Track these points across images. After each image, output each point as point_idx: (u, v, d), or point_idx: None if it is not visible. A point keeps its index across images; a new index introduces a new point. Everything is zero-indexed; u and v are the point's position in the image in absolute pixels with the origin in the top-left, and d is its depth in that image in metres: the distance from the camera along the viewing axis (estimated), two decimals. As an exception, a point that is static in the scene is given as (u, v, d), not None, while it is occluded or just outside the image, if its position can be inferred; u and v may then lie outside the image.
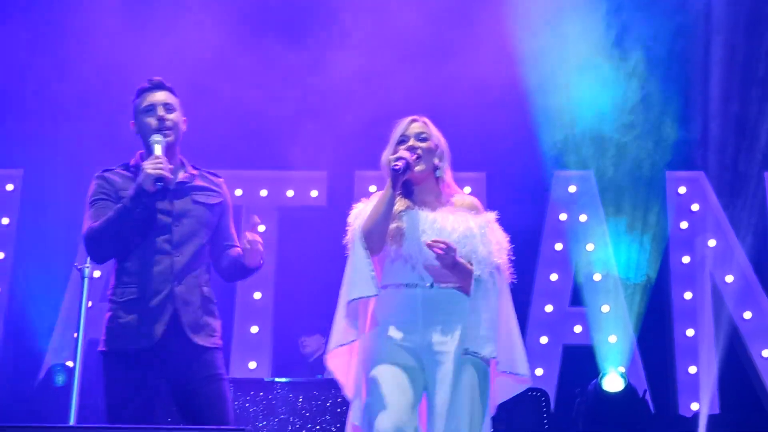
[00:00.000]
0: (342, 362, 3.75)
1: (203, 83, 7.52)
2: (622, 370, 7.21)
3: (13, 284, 7.71)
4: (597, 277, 7.79)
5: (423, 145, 3.75)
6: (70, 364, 6.93)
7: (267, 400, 5.86)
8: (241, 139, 7.53)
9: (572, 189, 8.05)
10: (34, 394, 7.14)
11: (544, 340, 7.76)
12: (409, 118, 3.83)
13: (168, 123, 3.88)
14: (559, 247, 7.97)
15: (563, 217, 8.00)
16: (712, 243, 7.91)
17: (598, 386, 7.06)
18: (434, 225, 3.66)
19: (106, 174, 3.91)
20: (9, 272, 7.75)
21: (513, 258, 3.78)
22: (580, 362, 7.57)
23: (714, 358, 7.51)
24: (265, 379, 6.10)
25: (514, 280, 3.77)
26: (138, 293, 3.75)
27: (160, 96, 3.91)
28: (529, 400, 6.61)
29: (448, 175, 3.83)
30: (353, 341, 3.66)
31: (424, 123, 3.82)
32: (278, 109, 7.84)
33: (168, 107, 3.91)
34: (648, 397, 7.30)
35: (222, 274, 4.04)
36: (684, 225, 8.00)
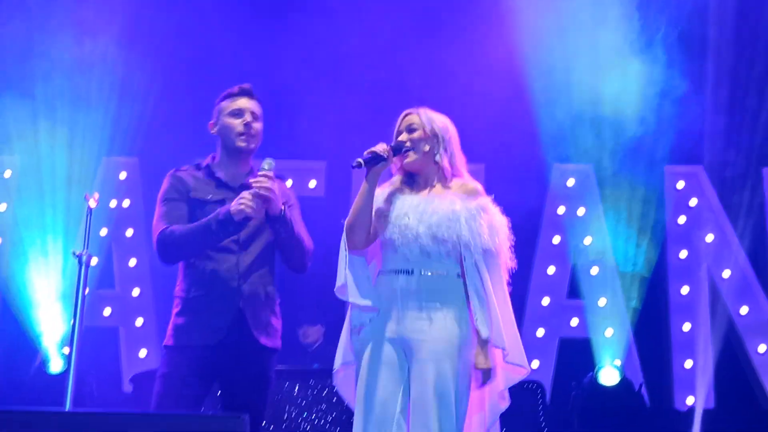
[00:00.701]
0: (347, 378, 3.78)
1: (203, 73, 7.53)
2: (618, 363, 7.23)
3: (10, 270, 7.71)
4: (594, 270, 7.80)
5: (412, 136, 3.78)
6: (66, 350, 6.93)
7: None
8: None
9: (571, 182, 8.05)
10: (30, 381, 7.14)
11: (540, 332, 7.77)
12: (404, 112, 3.87)
13: (253, 131, 4.00)
14: (556, 240, 7.97)
15: (561, 210, 8.00)
16: (709, 238, 7.91)
17: (594, 379, 7.08)
18: (417, 208, 3.67)
19: (179, 173, 4.01)
20: (6, 257, 7.74)
21: (513, 244, 3.74)
22: (576, 355, 7.58)
23: (710, 352, 7.52)
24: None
25: (513, 267, 3.74)
26: (205, 290, 3.84)
27: (248, 103, 4.02)
28: (524, 392, 6.62)
29: (445, 160, 3.80)
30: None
31: (417, 113, 3.83)
32: (277, 97, 7.83)
33: (255, 116, 4.01)
34: (644, 390, 7.31)
35: (288, 263, 4.05)
36: (682, 219, 8.00)
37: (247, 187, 3.88)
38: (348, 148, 7.67)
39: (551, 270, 7.92)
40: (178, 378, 3.78)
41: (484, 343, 3.59)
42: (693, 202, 8.03)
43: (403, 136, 3.79)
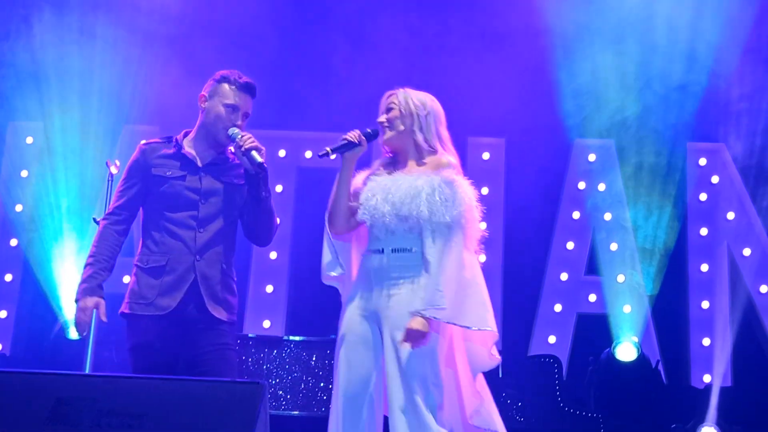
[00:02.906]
0: None
1: (222, 42, 7.52)
2: (636, 339, 7.21)
3: (31, 236, 7.76)
4: (614, 246, 7.77)
5: (389, 115, 3.89)
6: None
7: (281, 358, 5.91)
8: (260, 98, 7.50)
9: (592, 158, 8.01)
10: (50, 345, 7.21)
11: (558, 308, 7.76)
12: (386, 93, 3.97)
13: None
14: (576, 215, 7.94)
15: (582, 185, 7.97)
16: (730, 216, 7.86)
17: (611, 355, 7.07)
18: (384, 188, 3.77)
19: (146, 147, 4.10)
20: (27, 225, 7.80)
21: (483, 213, 3.81)
22: (593, 331, 7.58)
23: (728, 331, 7.49)
24: (280, 337, 6.13)
25: (484, 235, 3.80)
26: (161, 262, 3.91)
27: (247, 103, 4.07)
28: (541, 367, 6.63)
29: (420, 137, 3.86)
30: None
31: (395, 93, 3.93)
32: (297, 69, 7.82)
33: (246, 118, 4.08)
34: (660, 367, 7.31)
35: (257, 233, 4.10)
36: (703, 197, 7.95)
37: (212, 164, 4.03)
38: (367, 120, 7.73)
39: (570, 245, 7.89)
40: (145, 347, 3.87)
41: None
42: (715, 179, 7.98)
43: (382, 117, 3.90)
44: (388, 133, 3.87)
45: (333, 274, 3.85)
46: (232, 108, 4.02)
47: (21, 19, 7.70)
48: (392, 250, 3.72)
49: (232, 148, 4.13)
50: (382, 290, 3.71)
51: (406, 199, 3.69)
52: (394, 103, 3.89)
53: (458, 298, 3.60)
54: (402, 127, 3.87)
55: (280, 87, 7.62)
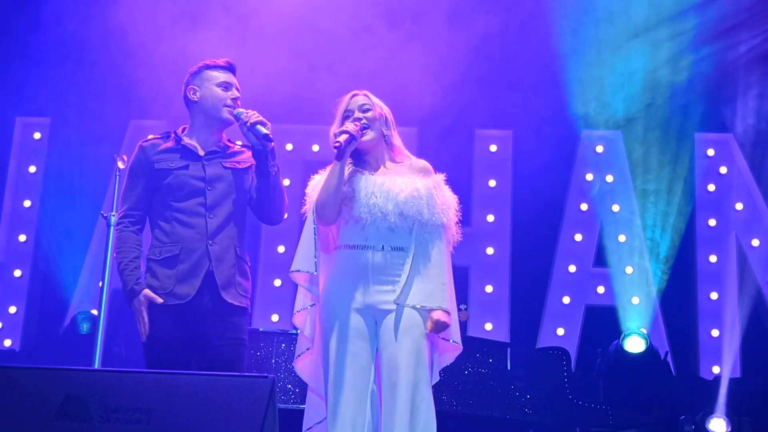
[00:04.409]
0: (308, 364, 3.98)
1: (228, 35, 7.52)
2: (644, 331, 7.20)
3: (40, 232, 7.79)
4: (622, 238, 7.76)
5: (367, 115, 3.97)
6: (95, 312, 7.01)
7: (289, 351, 5.91)
8: (267, 92, 7.51)
9: (599, 149, 7.99)
10: (59, 341, 7.24)
11: (566, 300, 7.76)
12: (350, 93, 4.06)
13: (238, 105, 4.12)
14: (584, 207, 7.93)
15: (590, 177, 7.96)
16: (739, 206, 7.85)
17: (620, 347, 7.06)
18: (382, 187, 3.87)
19: (146, 144, 4.13)
20: (35, 220, 7.82)
21: (460, 219, 3.97)
22: (602, 323, 7.57)
23: (737, 322, 7.48)
24: (288, 331, 6.14)
25: (459, 239, 3.96)
26: (175, 251, 3.95)
27: (234, 79, 4.15)
28: (550, 358, 6.63)
29: (396, 140, 4.03)
30: (314, 305, 3.92)
31: (366, 95, 4.04)
32: (304, 62, 7.81)
33: (239, 92, 4.14)
34: (669, 359, 7.30)
35: (268, 212, 4.13)
36: (711, 187, 7.94)
37: (214, 151, 4.08)
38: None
39: (578, 237, 7.89)
40: (161, 341, 3.90)
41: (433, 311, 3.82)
42: (723, 170, 7.96)
43: (357, 114, 3.96)
44: (370, 134, 3.95)
45: (306, 271, 3.82)
46: (226, 85, 4.10)
47: (27, 14, 7.73)
48: (392, 247, 3.84)
49: (238, 143, 4.14)
50: (380, 286, 3.81)
51: (409, 200, 3.83)
52: (369, 104, 3.99)
53: (450, 295, 3.87)
54: (383, 129, 3.99)
55: (287, 80, 7.62)
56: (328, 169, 3.95)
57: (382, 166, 3.98)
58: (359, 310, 3.82)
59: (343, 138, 3.84)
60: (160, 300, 3.90)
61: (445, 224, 3.88)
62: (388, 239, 3.84)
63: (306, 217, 3.93)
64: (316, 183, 3.99)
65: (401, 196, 3.83)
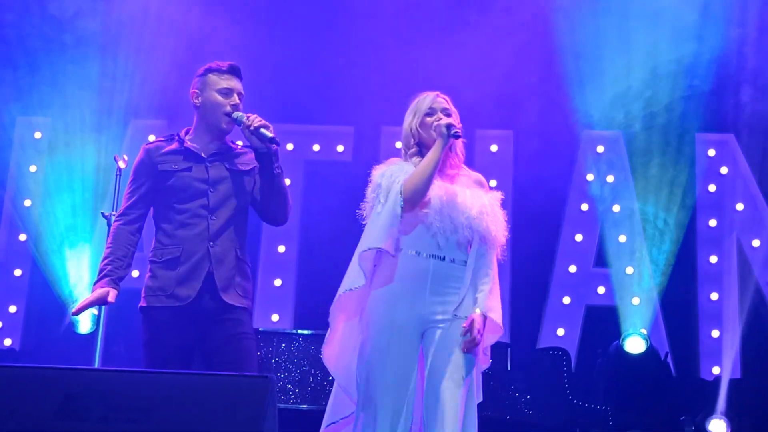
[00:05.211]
0: (334, 353, 3.92)
1: (230, 35, 7.52)
2: (645, 332, 7.20)
3: (40, 231, 7.78)
4: (622, 238, 7.76)
5: (452, 120, 3.94)
6: (95, 311, 7.01)
7: (289, 351, 5.91)
8: (268, 92, 7.52)
9: (600, 149, 7.99)
10: (59, 341, 7.23)
11: (566, 300, 7.75)
12: (434, 93, 4.03)
13: (239, 108, 4.10)
14: (584, 207, 7.93)
15: (590, 177, 7.95)
16: (740, 207, 7.84)
17: (620, 347, 7.06)
18: (456, 198, 3.86)
19: (150, 147, 4.14)
20: (36, 219, 7.82)
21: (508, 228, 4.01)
22: (602, 323, 7.57)
23: (737, 322, 7.47)
24: (288, 331, 6.14)
25: (504, 258, 3.99)
26: (176, 253, 3.95)
27: (237, 84, 4.11)
28: (549, 359, 6.63)
29: (460, 148, 4.02)
30: (361, 286, 3.81)
31: (447, 100, 4.03)
32: (305, 63, 7.81)
33: (240, 97, 4.11)
34: (669, 359, 7.29)
35: (273, 212, 4.15)
36: (712, 188, 7.93)
37: (216, 153, 4.08)
38: (376, 114, 7.75)
39: (579, 237, 7.89)
40: (159, 343, 3.91)
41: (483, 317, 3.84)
42: (724, 170, 7.96)
43: (439, 116, 3.93)
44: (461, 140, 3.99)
45: (380, 248, 3.75)
46: (226, 92, 4.08)
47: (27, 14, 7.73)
48: (453, 260, 3.85)
49: (239, 142, 4.14)
50: (436, 296, 3.80)
51: (480, 216, 3.86)
52: (451, 110, 4.00)
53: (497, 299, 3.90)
54: None
55: (287, 80, 7.63)
56: (395, 160, 3.95)
57: (449, 175, 3.96)
58: (412, 316, 3.79)
59: (460, 127, 3.87)
60: (112, 301, 3.91)
61: (501, 241, 3.92)
62: (452, 251, 3.83)
63: (380, 202, 3.83)
64: (385, 171, 3.91)
65: (473, 211, 3.85)
